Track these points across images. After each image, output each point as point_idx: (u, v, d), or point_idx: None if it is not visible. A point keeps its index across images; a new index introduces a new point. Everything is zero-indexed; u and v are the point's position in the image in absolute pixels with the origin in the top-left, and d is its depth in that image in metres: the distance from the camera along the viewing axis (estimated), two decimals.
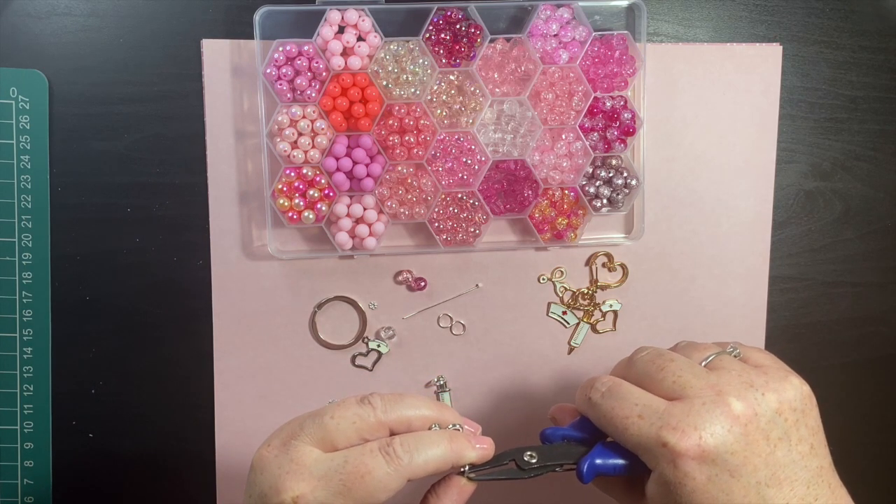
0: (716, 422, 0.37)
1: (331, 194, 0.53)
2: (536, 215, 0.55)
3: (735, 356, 0.42)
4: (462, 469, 0.40)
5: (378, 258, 0.56)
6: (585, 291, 0.58)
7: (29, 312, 0.54)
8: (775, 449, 0.37)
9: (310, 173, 0.53)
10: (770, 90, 0.58)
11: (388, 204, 0.54)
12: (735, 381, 0.38)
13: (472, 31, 0.52)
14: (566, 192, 0.55)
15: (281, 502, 0.36)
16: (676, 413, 0.37)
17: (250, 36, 0.52)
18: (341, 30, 0.52)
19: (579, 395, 0.43)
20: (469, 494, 0.41)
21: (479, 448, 0.40)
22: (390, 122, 0.52)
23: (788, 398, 0.38)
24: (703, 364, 0.41)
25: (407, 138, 0.53)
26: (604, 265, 0.58)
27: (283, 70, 0.52)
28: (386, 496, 0.37)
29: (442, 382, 0.57)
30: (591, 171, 0.55)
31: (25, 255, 0.54)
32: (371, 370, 0.57)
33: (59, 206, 0.54)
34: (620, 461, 0.40)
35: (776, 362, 0.42)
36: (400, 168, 0.53)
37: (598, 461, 0.40)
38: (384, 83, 0.52)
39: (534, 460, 0.41)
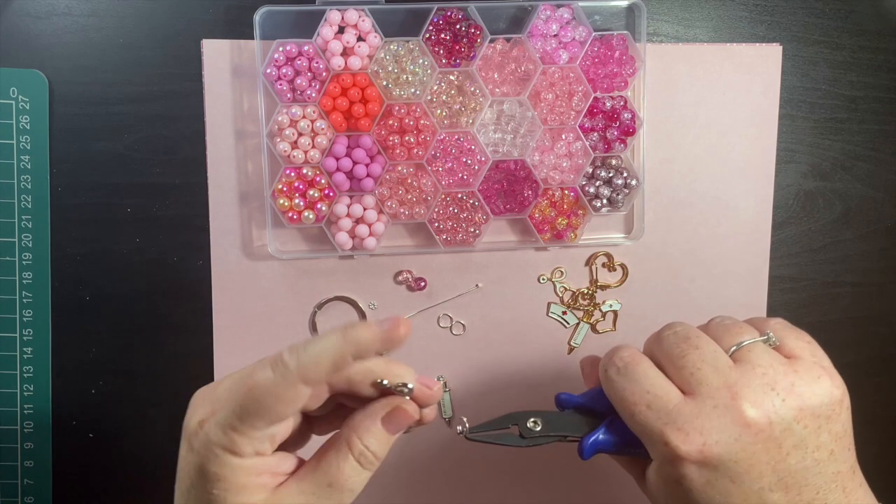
0: (724, 429, 0.35)
1: (331, 194, 0.53)
2: (536, 215, 0.55)
3: (771, 344, 0.38)
4: (400, 386, 0.35)
5: (378, 258, 0.56)
6: (585, 291, 0.58)
7: (29, 312, 0.54)
8: (787, 456, 0.35)
9: (310, 173, 0.53)
10: (770, 90, 0.58)
11: (388, 204, 0.54)
12: (757, 381, 0.36)
13: (472, 31, 0.52)
14: (566, 192, 0.55)
15: (188, 426, 0.35)
16: (685, 413, 0.36)
17: (250, 36, 0.52)
18: (341, 30, 0.52)
19: (600, 365, 0.41)
20: (406, 420, 0.36)
21: (386, 331, 0.34)
22: (390, 122, 0.52)
23: (812, 405, 0.36)
24: (732, 352, 0.38)
25: (407, 138, 0.53)
26: (604, 265, 0.58)
27: (283, 70, 0.52)
28: (284, 408, 0.34)
29: (442, 382, 0.57)
30: (591, 171, 0.55)
31: (25, 255, 0.54)
32: None
33: (59, 206, 0.54)
34: (623, 444, 0.39)
35: (814, 354, 0.38)
36: (400, 168, 0.53)
37: (602, 438, 0.39)
38: (384, 83, 0.52)
39: (538, 428, 0.40)
